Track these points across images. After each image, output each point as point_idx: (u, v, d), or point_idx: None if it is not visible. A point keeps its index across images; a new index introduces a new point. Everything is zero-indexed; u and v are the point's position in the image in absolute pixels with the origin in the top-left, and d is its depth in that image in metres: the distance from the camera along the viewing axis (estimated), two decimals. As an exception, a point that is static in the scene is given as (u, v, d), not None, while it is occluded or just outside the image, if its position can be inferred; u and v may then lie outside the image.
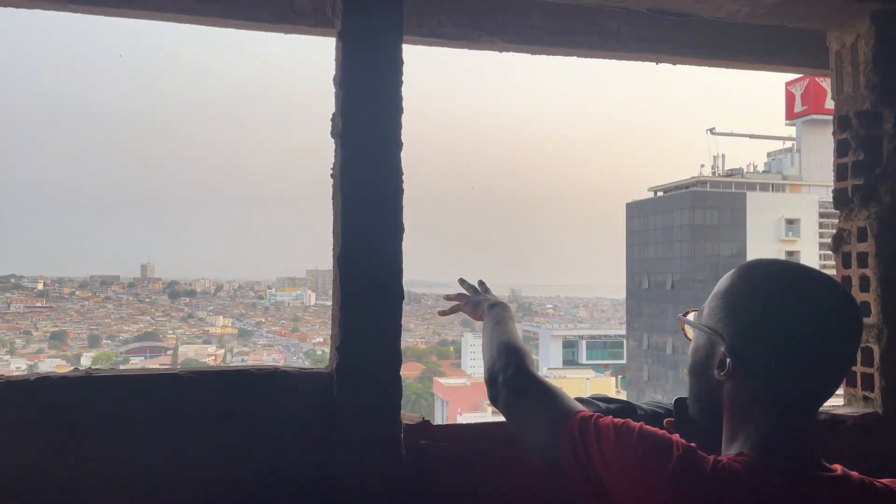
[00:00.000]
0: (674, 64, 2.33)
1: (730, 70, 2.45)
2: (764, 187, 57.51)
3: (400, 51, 1.69)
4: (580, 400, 1.95)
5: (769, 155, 66.34)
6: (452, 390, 74.47)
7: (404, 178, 1.70)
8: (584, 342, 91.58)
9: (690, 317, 1.19)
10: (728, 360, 1.05)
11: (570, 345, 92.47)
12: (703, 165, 60.96)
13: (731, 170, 61.11)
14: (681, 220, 54.98)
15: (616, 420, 1.08)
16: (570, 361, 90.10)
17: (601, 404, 1.84)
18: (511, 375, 1.30)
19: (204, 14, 1.81)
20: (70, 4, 1.77)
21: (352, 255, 1.64)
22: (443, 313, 1.85)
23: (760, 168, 63.88)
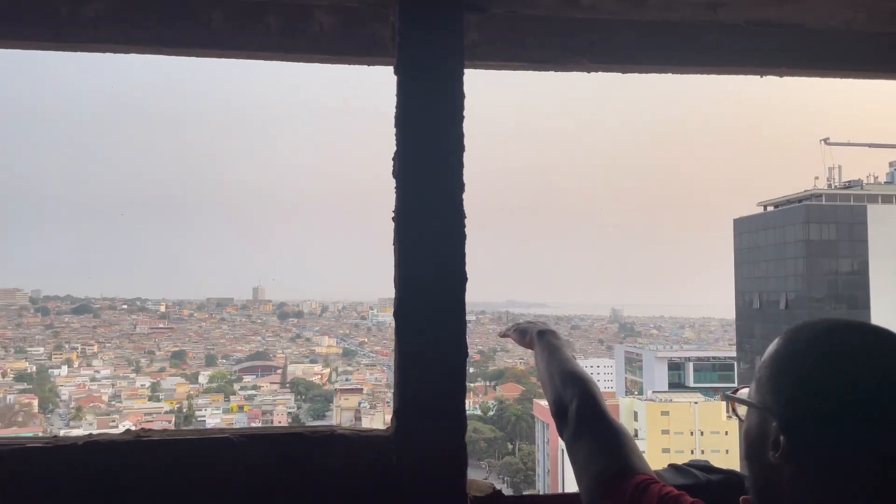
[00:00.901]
0: (780, 76, 2.16)
1: (843, 80, 2.26)
2: (887, 199, 53.48)
3: (461, 83, 1.56)
4: (675, 467, 1.72)
5: (892, 164, 61.70)
6: (553, 413, 72.94)
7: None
8: (691, 364, 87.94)
9: (742, 393, 0.99)
10: (781, 437, 0.83)
11: (675, 367, 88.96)
12: (817, 178, 57.52)
13: (849, 181, 57.33)
14: (794, 236, 52.06)
15: (669, 490, 0.97)
16: (677, 384, 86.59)
17: (699, 474, 1.60)
18: (580, 409, 1.20)
19: (292, 51, 1.80)
20: (163, 47, 1.79)
21: (411, 308, 1.51)
22: (501, 335, 1.80)
23: (882, 179, 59.53)
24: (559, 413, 1.26)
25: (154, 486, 1.41)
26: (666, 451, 65.07)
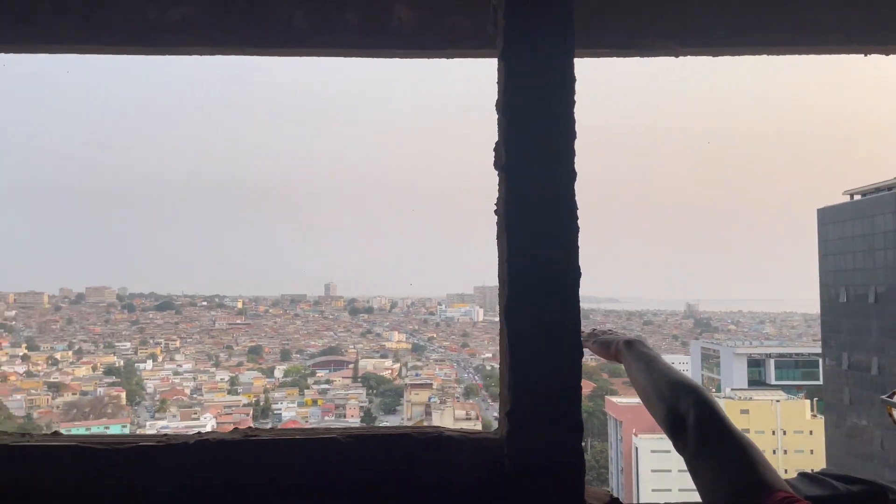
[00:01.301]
0: (887, 55, 2.00)
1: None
2: None
3: (572, 66, 1.47)
4: (807, 476, 1.59)
5: None
6: (626, 410, 71.74)
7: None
8: (772, 361, 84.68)
9: None
10: None
11: (755, 364, 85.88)
12: (909, 163, 54.35)
13: (946, 166, 53.97)
14: (884, 226, 49.30)
15: None
16: (757, 381, 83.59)
17: (838, 484, 1.45)
18: (699, 421, 1.11)
19: (372, 47, 1.78)
20: (248, 48, 1.78)
21: (522, 307, 1.42)
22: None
23: None
24: (674, 427, 1.16)
25: (263, 486, 1.39)
26: (745, 450, 62.65)
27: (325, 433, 1.47)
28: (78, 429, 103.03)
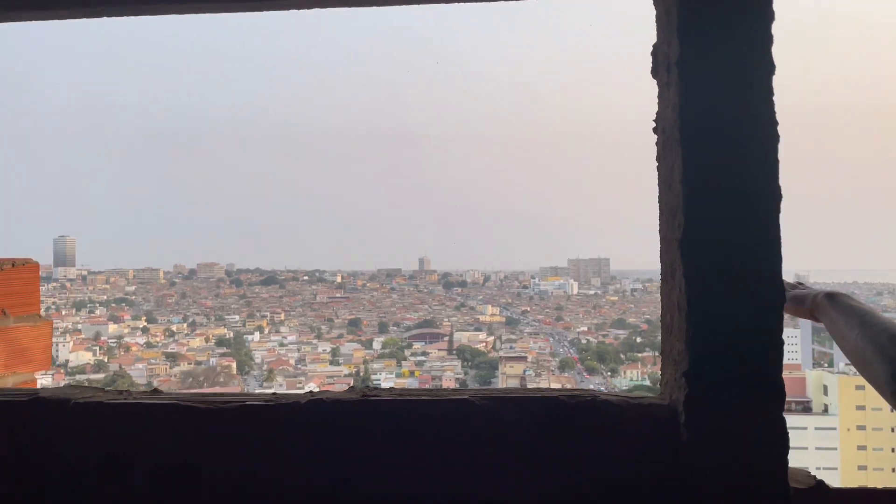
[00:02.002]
0: None
1: None
2: None
3: (769, 4, 1.14)
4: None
5: None
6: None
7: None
8: (891, 335, 79.26)
9: None
10: None
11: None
12: None
13: None
14: None
15: None
16: (874, 357, 78.70)
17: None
18: None
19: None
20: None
21: (703, 238, 1.14)
22: None
23: None
24: None
25: (380, 447, 1.22)
26: (861, 427, 59.81)
27: (454, 394, 1.26)
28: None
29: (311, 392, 1.26)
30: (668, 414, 1.15)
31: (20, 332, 1.92)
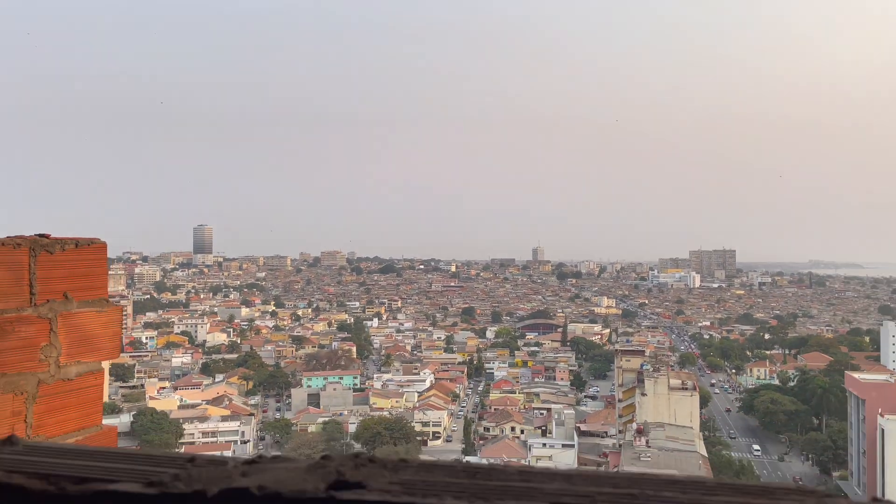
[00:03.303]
0: None
1: None
2: None
3: None
4: None
5: None
6: (871, 387, 64.31)
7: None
8: None
9: None
10: None
11: None
12: None
13: None
14: None
15: None
16: None
17: None
18: None
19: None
20: None
21: None
22: None
23: None
24: None
25: None
26: None
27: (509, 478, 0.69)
28: (317, 378, 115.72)
29: (251, 460, 0.69)
30: None
31: (85, 318, 1.76)
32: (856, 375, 71.50)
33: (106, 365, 1.87)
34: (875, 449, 60.33)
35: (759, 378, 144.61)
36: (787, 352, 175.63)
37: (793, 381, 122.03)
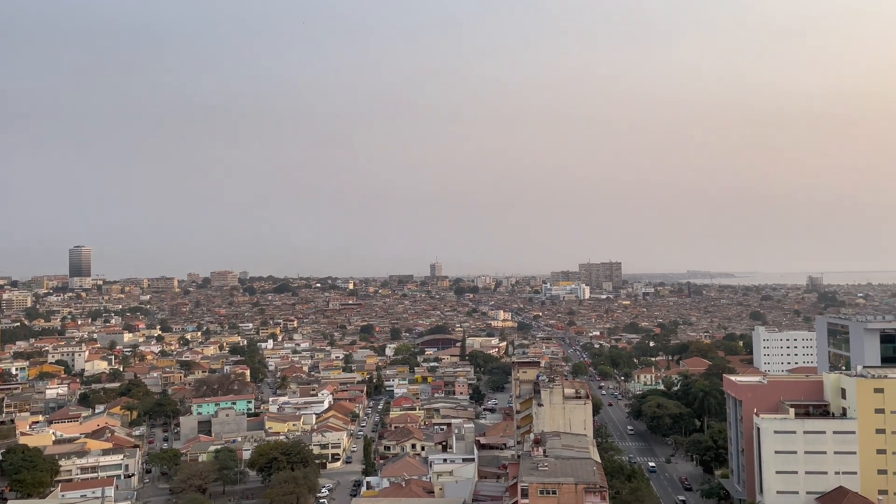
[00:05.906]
0: None
1: None
2: None
3: None
4: None
5: None
6: (747, 389, 68.83)
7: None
8: (909, 337, 78.42)
9: None
10: None
11: (889, 339, 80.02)
12: None
13: None
14: None
15: None
16: (891, 358, 77.76)
17: None
18: None
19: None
20: None
21: None
22: None
23: None
24: None
25: None
26: (881, 431, 58.82)
27: None
28: (208, 404, 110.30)
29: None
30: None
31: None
32: (732, 378, 76.34)
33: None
34: (752, 447, 64.58)
35: (646, 384, 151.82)
36: (670, 358, 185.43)
37: (676, 385, 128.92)
